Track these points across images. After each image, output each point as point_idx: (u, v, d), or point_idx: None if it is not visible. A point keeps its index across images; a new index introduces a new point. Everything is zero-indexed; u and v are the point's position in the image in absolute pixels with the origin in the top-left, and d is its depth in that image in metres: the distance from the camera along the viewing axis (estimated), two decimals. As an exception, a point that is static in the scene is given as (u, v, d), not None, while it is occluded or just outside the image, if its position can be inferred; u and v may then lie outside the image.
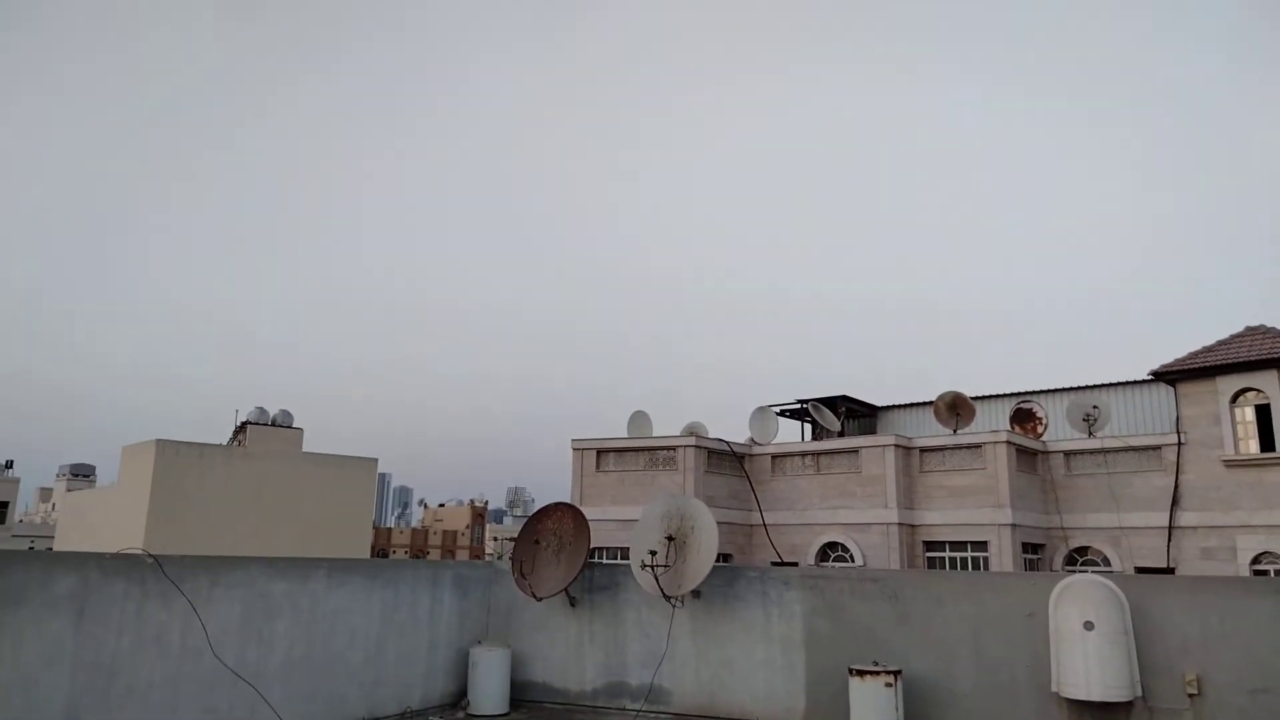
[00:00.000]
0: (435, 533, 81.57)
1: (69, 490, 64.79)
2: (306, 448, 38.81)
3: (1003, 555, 20.78)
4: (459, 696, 10.95)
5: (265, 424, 38.14)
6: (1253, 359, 20.91)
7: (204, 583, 8.48)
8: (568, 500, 23.41)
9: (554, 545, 11.42)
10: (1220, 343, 22.03)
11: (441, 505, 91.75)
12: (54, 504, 75.22)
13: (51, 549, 40.41)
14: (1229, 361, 21.19)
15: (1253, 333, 21.96)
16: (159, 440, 33.81)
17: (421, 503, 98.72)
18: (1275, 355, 20.71)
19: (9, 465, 60.82)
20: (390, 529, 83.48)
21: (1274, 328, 21.91)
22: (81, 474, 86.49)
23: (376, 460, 42.74)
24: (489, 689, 10.67)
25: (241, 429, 38.16)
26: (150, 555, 8.18)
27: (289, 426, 38.85)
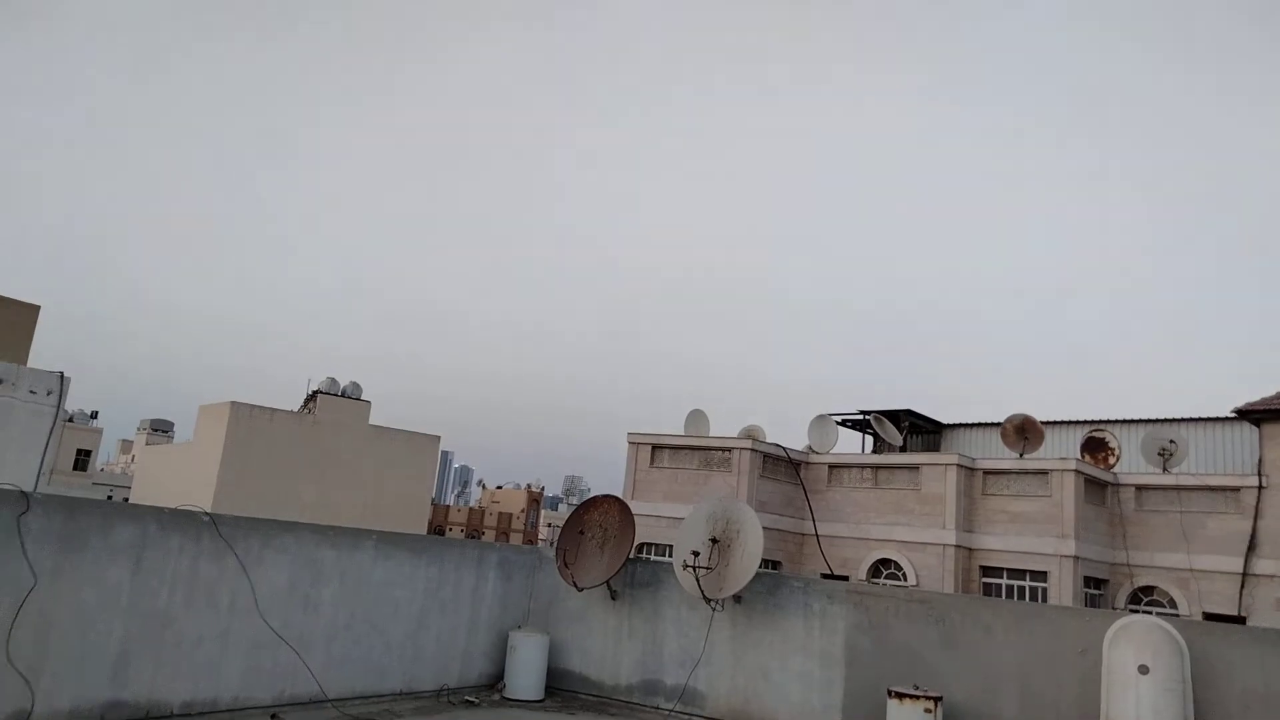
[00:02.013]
0: (491, 514, 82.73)
1: (148, 444, 67.66)
2: (373, 421, 39.74)
3: (1063, 588, 20.11)
4: (495, 679, 11.06)
5: (335, 394, 39.14)
6: (1349, 404, 19.80)
7: (255, 544, 8.72)
8: (619, 493, 23.50)
9: (599, 537, 11.44)
10: (1315, 385, 20.90)
11: (499, 488, 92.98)
12: (133, 456, 78.66)
13: (128, 500, 42.25)
14: (1322, 405, 20.11)
15: (1352, 377, 20.79)
16: (234, 402, 35.03)
17: (480, 483, 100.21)
18: (1375, 402, 19.59)
19: (94, 416, 63.73)
20: (449, 506, 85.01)
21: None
22: (161, 429, 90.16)
23: (439, 438, 43.60)
24: (526, 674, 10.75)
25: (312, 397, 39.24)
26: (206, 513, 8.44)
27: (358, 399, 39.81)
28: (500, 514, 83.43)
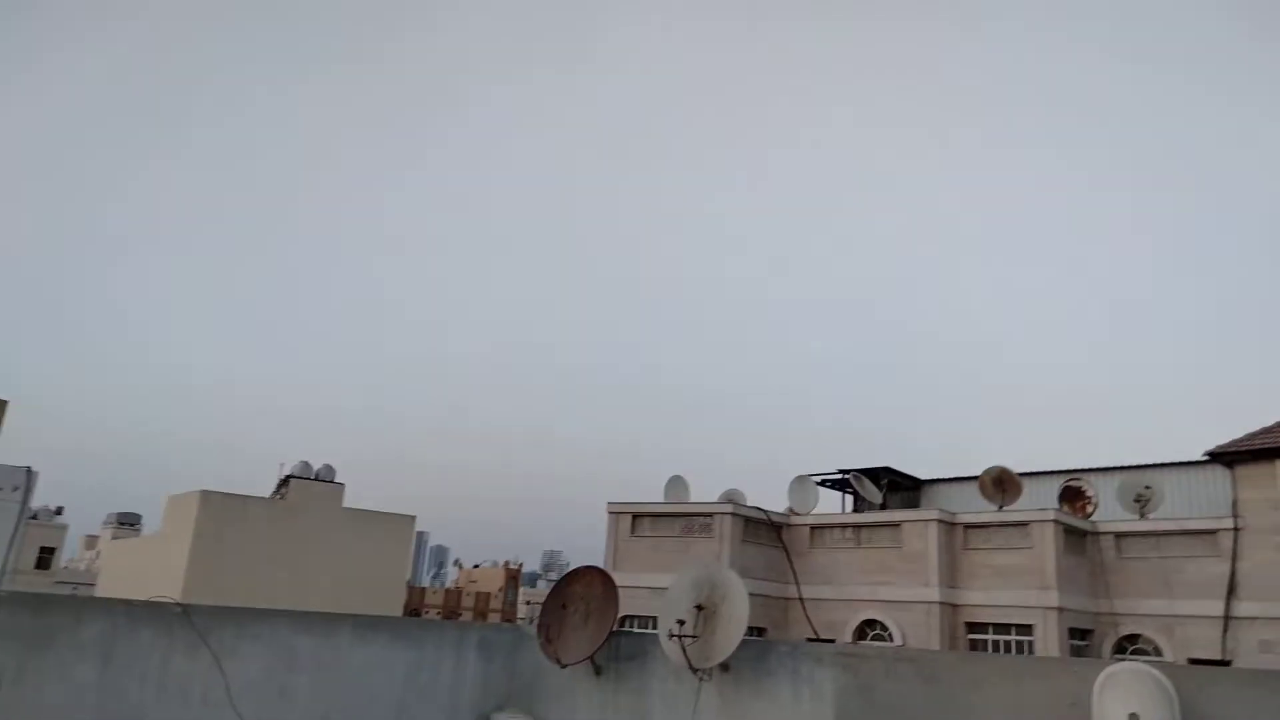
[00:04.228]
0: (469, 594, 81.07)
1: (114, 538, 65.89)
2: (347, 504, 39.13)
3: (1048, 640, 20.00)
4: (479, 764, 10.72)
5: (308, 478, 38.59)
6: (1314, 443, 20.18)
7: (230, 634, 8.49)
8: (601, 565, 23.19)
9: (581, 610, 11.24)
10: (1278, 424, 21.33)
11: (476, 566, 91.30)
12: (98, 551, 76.48)
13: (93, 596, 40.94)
14: (1289, 445, 20.48)
15: (1313, 416, 21.23)
16: (203, 490, 34.36)
17: (456, 563, 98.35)
18: (1338, 439, 19.98)
19: (58, 512, 62.14)
20: (424, 588, 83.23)
21: (1336, 411, 21.17)
22: (127, 522, 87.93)
23: (414, 518, 42.97)
24: (510, 757, 10.42)
25: (285, 482, 38.65)
26: (179, 604, 8.23)
27: (331, 481, 39.26)
28: (478, 594, 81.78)
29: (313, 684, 9.13)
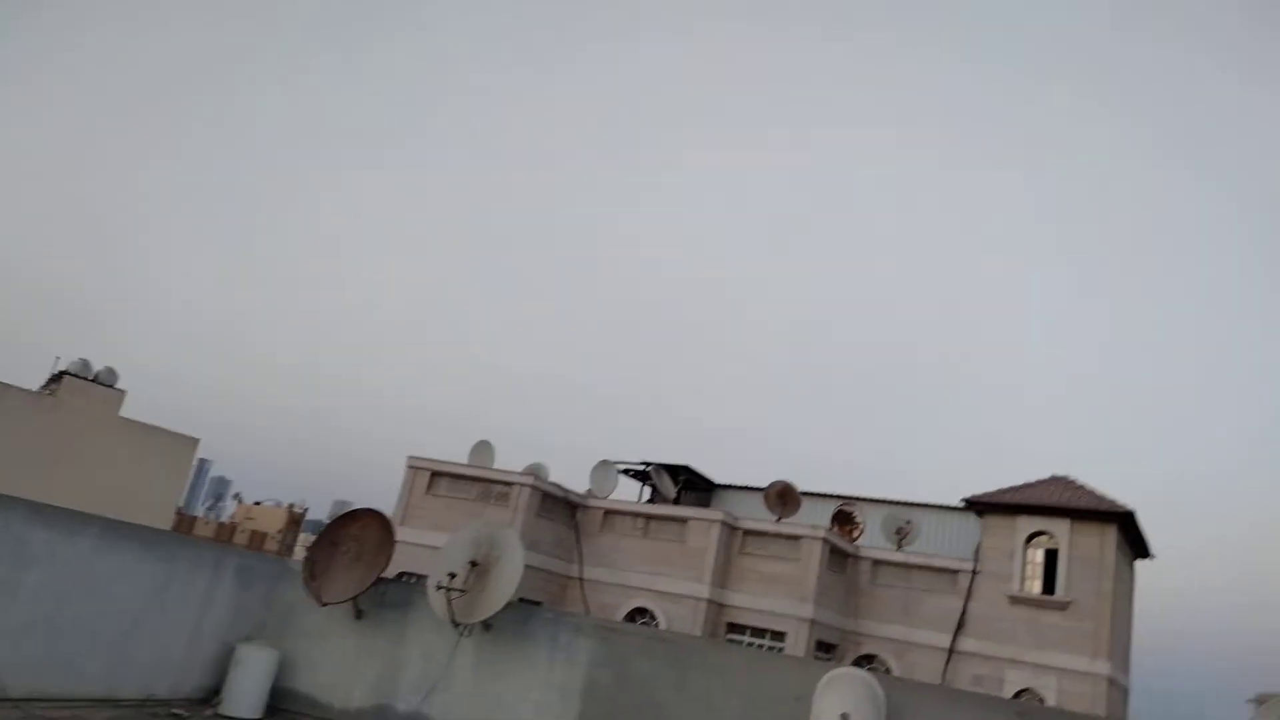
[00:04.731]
0: (244, 530, 76.76)
1: None
2: (127, 414, 36.16)
3: (798, 648, 21.46)
4: (212, 693, 10.30)
5: (85, 378, 35.30)
6: (1050, 505, 22.71)
7: (-49, 516, 7.76)
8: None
9: (353, 551, 11.05)
10: (1026, 484, 23.85)
11: (257, 504, 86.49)
12: None
13: None
14: (1029, 504, 22.94)
15: (1056, 481, 23.91)
16: (-45, 370, 30.79)
17: (236, 496, 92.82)
18: (1070, 505, 22.59)
19: None
20: (196, 518, 78.11)
21: (1075, 480, 23.92)
22: None
23: (198, 441, 40.22)
24: (247, 690, 10.09)
25: (57, 378, 35.19)
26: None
27: (111, 386, 36.10)
28: (254, 532, 77.46)
29: (41, 581, 8.49)
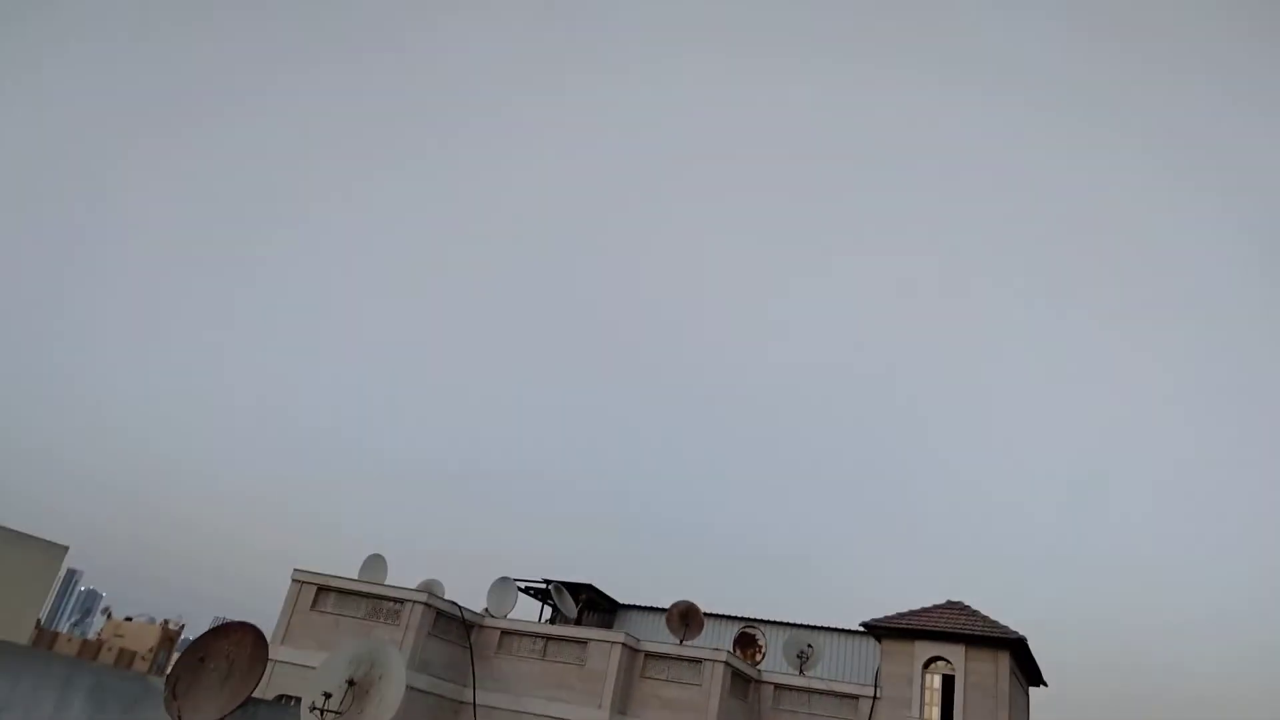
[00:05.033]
0: (111, 648, 70.82)
1: None
2: (-13, 516, 33.49)
3: (698, 778, 20.71)
4: (49, 830, 9.29)
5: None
6: (946, 630, 22.95)
7: None
8: (269, 634, 21.31)
9: (223, 669, 10.33)
10: (924, 609, 24.10)
11: (128, 619, 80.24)
12: None
13: None
14: (925, 629, 23.13)
15: (952, 607, 24.23)
16: None
17: (105, 611, 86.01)
18: (965, 632, 22.86)
19: None
20: (58, 633, 71.72)
21: (970, 607, 24.30)
22: None
23: (66, 549, 37.34)
24: (89, 825, 9.15)
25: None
26: None
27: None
28: (123, 650, 71.47)
29: None
